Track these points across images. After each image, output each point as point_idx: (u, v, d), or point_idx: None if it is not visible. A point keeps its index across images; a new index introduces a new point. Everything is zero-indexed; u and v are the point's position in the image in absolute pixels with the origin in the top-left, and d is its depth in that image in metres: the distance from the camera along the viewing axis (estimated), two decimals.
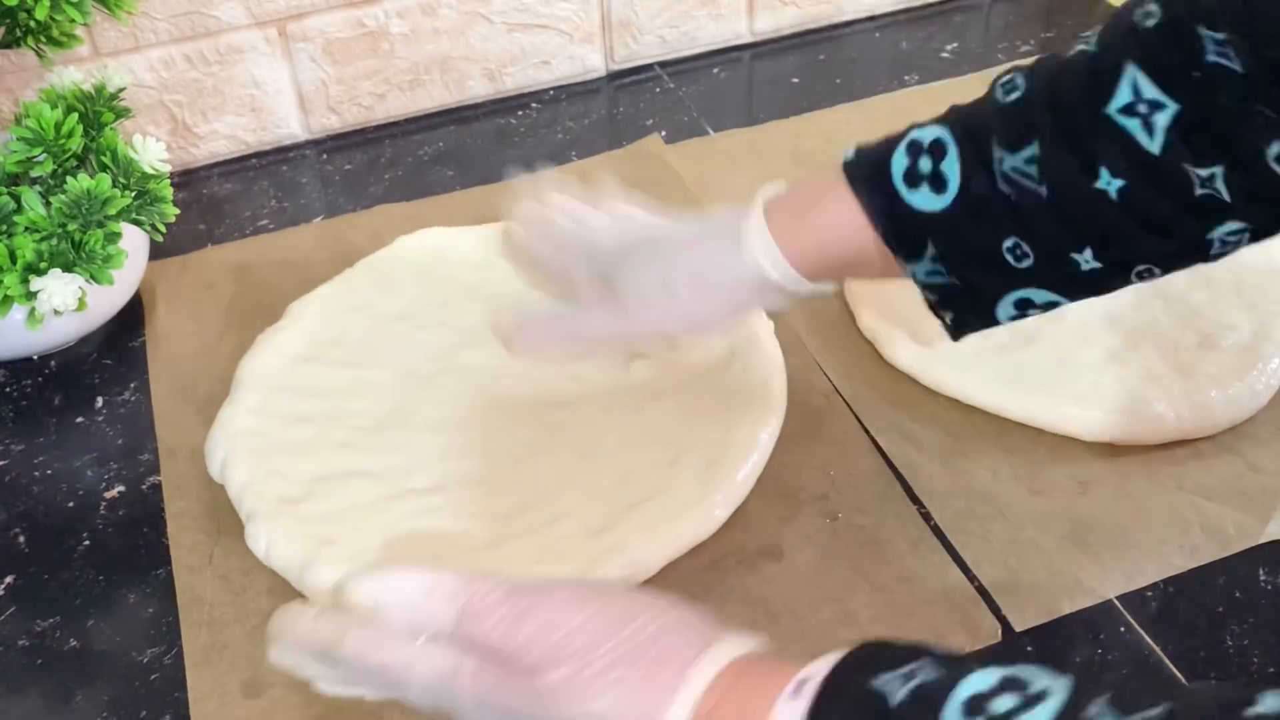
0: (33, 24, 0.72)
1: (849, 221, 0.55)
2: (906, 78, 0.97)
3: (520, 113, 0.96)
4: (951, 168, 0.53)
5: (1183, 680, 0.56)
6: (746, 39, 1.02)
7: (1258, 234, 0.51)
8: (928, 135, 0.54)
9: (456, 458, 0.66)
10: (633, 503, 0.62)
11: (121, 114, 0.74)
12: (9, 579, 0.64)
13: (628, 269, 0.59)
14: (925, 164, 0.53)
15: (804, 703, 0.39)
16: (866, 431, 0.68)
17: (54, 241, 0.67)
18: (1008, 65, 0.55)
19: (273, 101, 0.91)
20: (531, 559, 0.60)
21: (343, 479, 0.64)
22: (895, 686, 0.38)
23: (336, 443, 0.66)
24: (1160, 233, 0.50)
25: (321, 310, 0.74)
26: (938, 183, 0.53)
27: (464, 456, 0.66)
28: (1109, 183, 0.49)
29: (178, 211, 0.73)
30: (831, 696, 0.39)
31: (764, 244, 0.56)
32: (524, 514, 0.62)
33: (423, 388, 0.70)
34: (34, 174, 0.69)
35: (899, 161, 0.54)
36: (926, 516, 0.64)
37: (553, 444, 0.66)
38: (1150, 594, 0.60)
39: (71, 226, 0.67)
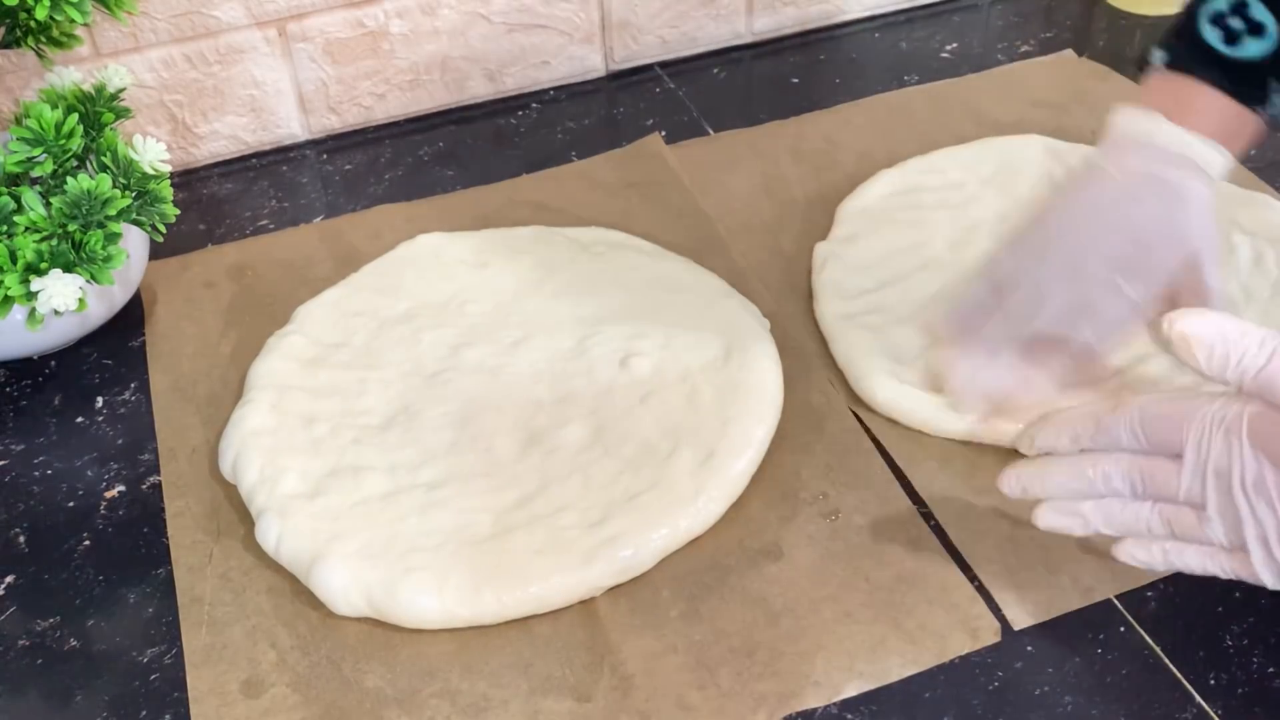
0: (33, 24, 0.72)
1: (1209, 105, 0.62)
2: (906, 78, 0.97)
3: (520, 113, 0.96)
4: (1261, 13, 0.61)
5: (1182, 681, 0.56)
6: (746, 39, 1.02)
7: None
8: (1222, 3, 0.61)
9: (461, 452, 0.66)
10: (630, 496, 0.63)
11: (122, 114, 0.74)
12: (9, 579, 0.64)
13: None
14: (1236, 23, 0.61)
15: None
16: (867, 431, 0.68)
17: (54, 242, 0.67)
18: None
19: (273, 101, 0.91)
20: (534, 549, 0.61)
21: (353, 475, 0.65)
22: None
23: (346, 441, 0.67)
24: None
25: (326, 314, 0.75)
26: (1257, 29, 0.61)
27: (468, 451, 0.66)
28: None
29: (178, 212, 0.73)
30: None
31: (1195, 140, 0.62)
32: (526, 506, 0.63)
33: (428, 386, 0.70)
34: (34, 174, 0.69)
35: (1210, 33, 0.62)
36: (927, 516, 0.64)
37: (553, 438, 0.66)
38: (1150, 594, 0.60)
39: (72, 227, 0.67)
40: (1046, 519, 0.57)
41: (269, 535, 0.62)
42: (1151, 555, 0.55)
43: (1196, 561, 0.54)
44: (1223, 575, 0.54)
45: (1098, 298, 0.61)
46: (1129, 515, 0.55)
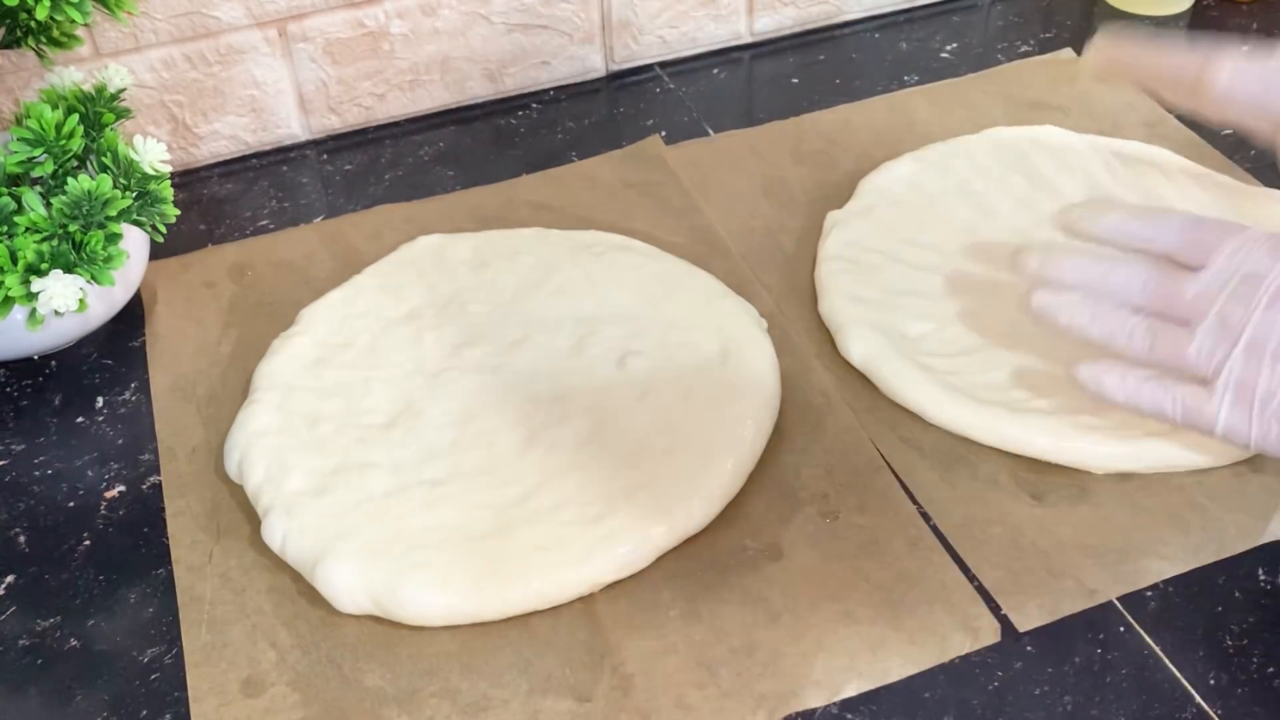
0: (33, 24, 0.72)
1: None
2: (906, 78, 0.97)
3: (520, 113, 0.96)
4: None
5: (1183, 681, 0.56)
6: (746, 39, 1.02)
7: None
8: None
9: (463, 450, 0.66)
10: (627, 493, 0.63)
11: (122, 114, 0.74)
12: (9, 579, 0.64)
13: None
14: None
15: None
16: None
17: (55, 242, 0.67)
18: None
19: (273, 102, 0.91)
20: (534, 545, 0.61)
21: (358, 473, 0.65)
22: None
23: (351, 439, 0.67)
24: None
25: (331, 316, 0.75)
26: None
27: (470, 449, 0.66)
28: None
29: (178, 212, 0.73)
30: None
31: None
32: (526, 502, 0.63)
33: (430, 385, 0.70)
34: (35, 175, 0.70)
35: None
36: (926, 516, 0.64)
37: (553, 436, 0.67)
38: (1150, 594, 0.60)
39: (72, 227, 0.67)
40: (1040, 298, 0.60)
41: (275, 533, 0.62)
42: (1114, 381, 0.58)
43: (1151, 397, 0.57)
44: (1169, 412, 0.57)
45: None
46: (1116, 321, 0.58)
